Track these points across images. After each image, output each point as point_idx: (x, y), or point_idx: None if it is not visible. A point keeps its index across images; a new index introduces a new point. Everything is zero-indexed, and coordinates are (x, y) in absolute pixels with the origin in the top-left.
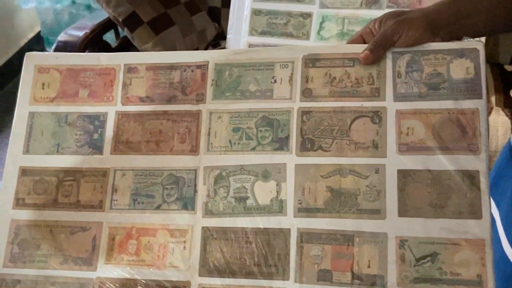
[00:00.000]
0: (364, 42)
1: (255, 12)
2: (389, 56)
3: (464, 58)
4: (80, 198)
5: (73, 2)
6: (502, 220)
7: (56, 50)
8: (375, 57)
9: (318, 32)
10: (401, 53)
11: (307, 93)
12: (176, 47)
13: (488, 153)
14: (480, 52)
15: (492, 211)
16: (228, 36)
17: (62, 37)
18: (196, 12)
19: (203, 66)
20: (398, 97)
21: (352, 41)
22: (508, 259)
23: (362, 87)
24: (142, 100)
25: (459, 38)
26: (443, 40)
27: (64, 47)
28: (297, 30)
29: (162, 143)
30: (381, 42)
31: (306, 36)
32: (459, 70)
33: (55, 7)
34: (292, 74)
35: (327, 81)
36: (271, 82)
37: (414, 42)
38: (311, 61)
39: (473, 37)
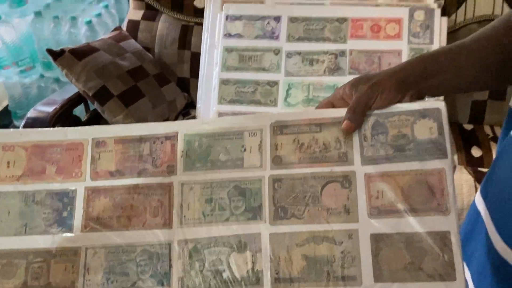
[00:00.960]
0: (334, 108)
1: (224, 82)
2: None
3: (427, 118)
4: (51, 279)
5: (42, 76)
6: (474, 281)
7: (25, 126)
8: (356, 125)
9: (285, 99)
10: (366, 116)
11: (277, 161)
12: (147, 118)
13: (457, 213)
14: (442, 111)
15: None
16: (198, 106)
17: (31, 113)
18: (166, 84)
19: (172, 138)
20: (365, 161)
21: (321, 107)
22: None
23: (330, 152)
24: (112, 175)
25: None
26: (412, 99)
27: (34, 123)
28: (265, 98)
29: (134, 218)
30: (358, 108)
31: (274, 103)
32: (423, 130)
33: (23, 82)
34: (261, 142)
35: (295, 147)
36: (241, 151)
37: (388, 103)
38: (279, 128)
39: (441, 95)
